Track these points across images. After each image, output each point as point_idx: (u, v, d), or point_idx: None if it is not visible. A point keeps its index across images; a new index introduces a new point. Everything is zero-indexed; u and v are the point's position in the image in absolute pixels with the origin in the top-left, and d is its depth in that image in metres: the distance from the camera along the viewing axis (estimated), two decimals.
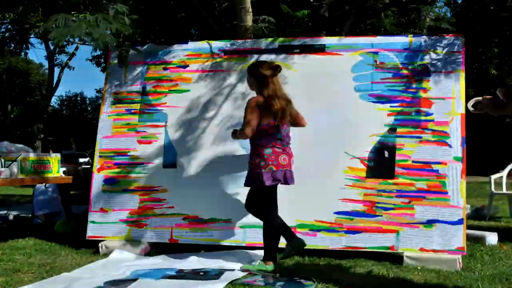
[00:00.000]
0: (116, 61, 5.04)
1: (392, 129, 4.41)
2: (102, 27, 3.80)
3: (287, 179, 3.92)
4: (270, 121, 3.91)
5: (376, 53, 4.63)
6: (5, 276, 3.64)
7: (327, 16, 7.13)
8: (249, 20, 5.94)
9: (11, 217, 6.57)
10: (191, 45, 5.10)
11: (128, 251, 4.39)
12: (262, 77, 4.00)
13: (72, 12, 3.94)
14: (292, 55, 4.78)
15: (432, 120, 4.38)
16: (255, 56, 4.86)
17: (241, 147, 4.59)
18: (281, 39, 4.99)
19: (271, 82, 3.99)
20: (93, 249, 4.53)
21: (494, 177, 6.97)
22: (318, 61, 4.73)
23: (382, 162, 4.36)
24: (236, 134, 4.11)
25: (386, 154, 4.38)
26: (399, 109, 4.46)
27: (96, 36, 3.59)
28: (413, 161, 4.33)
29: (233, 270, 3.79)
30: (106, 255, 4.38)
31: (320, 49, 4.74)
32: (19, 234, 5.24)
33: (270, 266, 3.84)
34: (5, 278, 3.57)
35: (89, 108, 41.30)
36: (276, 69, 4.05)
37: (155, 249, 4.52)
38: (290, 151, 4.02)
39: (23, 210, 7.31)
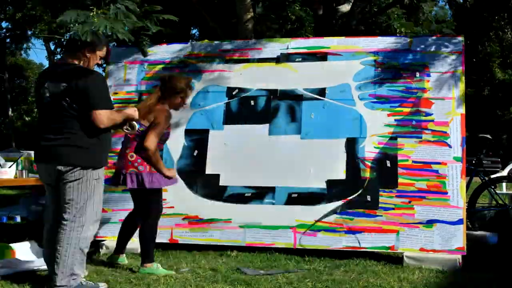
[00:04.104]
0: (115, 61, 5.06)
1: (393, 138, 4.41)
2: (120, 22, 3.80)
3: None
4: None
5: (377, 53, 4.63)
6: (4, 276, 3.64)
7: (328, 17, 7.12)
8: (249, 20, 5.94)
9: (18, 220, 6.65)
10: (191, 45, 5.10)
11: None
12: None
13: (90, 7, 3.94)
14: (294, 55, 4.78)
15: (432, 120, 4.38)
16: (256, 56, 4.86)
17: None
18: (281, 39, 4.99)
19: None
20: (93, 249, 4.53)
21: (494, 177, 6.96)
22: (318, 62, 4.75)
23: (384, 172, 4.36)
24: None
25: (388, 163, 4.37)
26: (399, 109, 4.46)
27: (119, 31, 3.62)
28: (413, 161, 4.34)
29: None
30: (106, 255, 4.38)
31: (322, 58, 4.72)
32: (19, 235, 5.23)
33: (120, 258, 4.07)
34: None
35: None
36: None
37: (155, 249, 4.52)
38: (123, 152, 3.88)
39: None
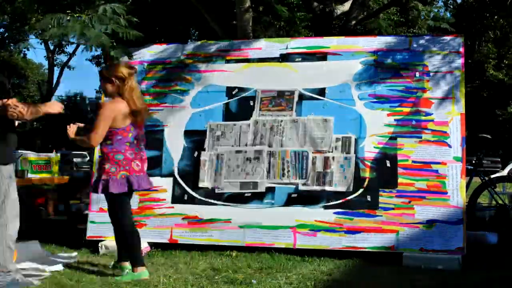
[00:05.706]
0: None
1: (393, 138, 4.40)
2: (97, 27, 3.78)
3: (140, 185, 3.66)
4: (125, 125, 3.63)
5: (376, 53, 4.62)
6: None
7: (324, 16, 7.13)
8: (248, 20, 5.94)
9: None
10: (191, 45, 5.10)
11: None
12: (120, 78, 3.67)
13: (68, 11, 3.92)
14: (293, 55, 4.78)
15: (432, 120, 4.38)
16: (255, 56, 4.85)
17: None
18: (281, 39, 4.99)
19: (129, 83, 3.68)
20: (92, 249, 4.53)
21: (494, 177, 6.96)
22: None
23: (384, 172, 4.35)
24: (81, 139, 3.71)
25: (388, 163, 4.36)
26: (399, 109, 4.46)
27: (91, 37, 3.58)
28: (413, 161, 4.33)
29: None
30: (105, 255, 4.38)
31: (322, 58, 4.72)
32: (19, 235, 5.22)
33: (143, 273, 3.61)
34: None
35: (89, 108, 41.25)
36: (133, 69, 3.79)
37: (155, 249, 4.52)
38: (144, 156, 3.75)
39: None
